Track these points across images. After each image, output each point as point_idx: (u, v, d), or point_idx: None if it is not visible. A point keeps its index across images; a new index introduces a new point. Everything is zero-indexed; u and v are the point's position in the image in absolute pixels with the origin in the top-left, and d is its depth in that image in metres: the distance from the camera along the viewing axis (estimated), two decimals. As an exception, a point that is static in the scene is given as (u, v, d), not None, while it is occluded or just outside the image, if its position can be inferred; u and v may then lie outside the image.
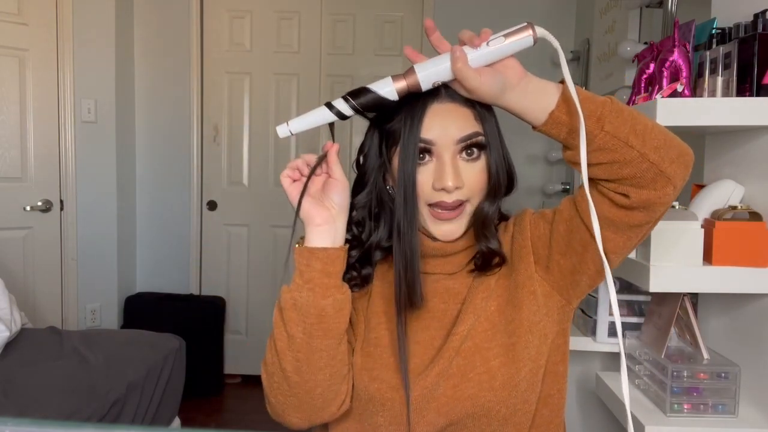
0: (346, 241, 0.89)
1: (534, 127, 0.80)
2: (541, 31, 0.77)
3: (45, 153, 3.04)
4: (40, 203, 3.03)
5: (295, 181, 0.84)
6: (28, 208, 3.00)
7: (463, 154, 0.83)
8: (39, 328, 2.58)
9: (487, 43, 0.76)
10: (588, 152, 0.76)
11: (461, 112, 0.83)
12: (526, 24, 0.77)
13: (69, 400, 1.92)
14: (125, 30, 3.31)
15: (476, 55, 0.76)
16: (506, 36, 0.76)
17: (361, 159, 0.89)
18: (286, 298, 0.82)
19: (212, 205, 3.51)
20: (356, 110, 0.81)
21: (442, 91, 0.82)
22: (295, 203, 0.82)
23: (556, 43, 0.78)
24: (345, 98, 0.80)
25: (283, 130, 0.83)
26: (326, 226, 0.83)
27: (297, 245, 0.84)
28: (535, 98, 0.77)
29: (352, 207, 0.89)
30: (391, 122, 0.84)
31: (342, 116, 0.80)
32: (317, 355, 0.81)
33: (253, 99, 3.48)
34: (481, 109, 0.83)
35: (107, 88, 3.18)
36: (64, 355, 2.24)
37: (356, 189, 0.89)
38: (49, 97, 3.04)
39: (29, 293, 3.01)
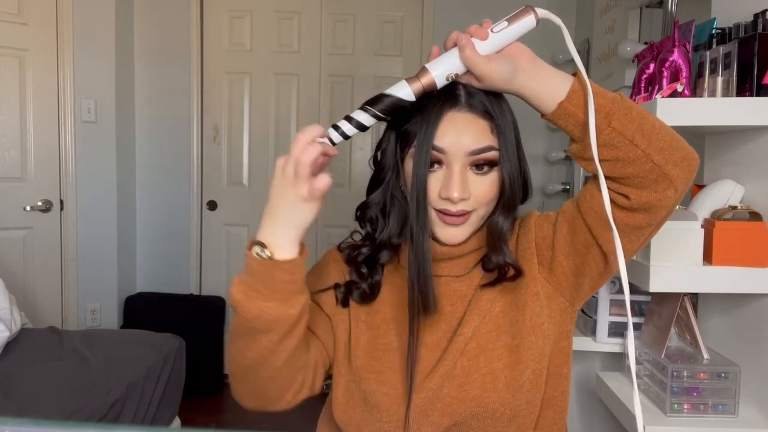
0: (353, 245, 0.91)
1: (543, 115, 0.80)
2: (542, 12, 0.78)
3: (45, 153, 3.04)
4: (40, 203, 3.03)
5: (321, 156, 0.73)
6: (28, 208, 3.00)
7: (474, 168, 0.82)
8: (39, 328, 2.58)
9: (492, 30, 0.76)
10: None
11: (478, 124, 0.81)
12: (525, 7, 0.78)
13: (69, 400, 1.92)
14: (125, 30, 3.31)
15: (484, 44, 0.76)
16: (509, 21, 0.77)
17: (379, 155, 0.89)
18: (249, 308, 0.74)
19: (212, 205, 3.51)
20: (377, 117, 0.79)
21: (461, 99, 0.81)
22: (323, 186, 0.72)
23: (558, 21, 0.79)
24: (364, 108, 0.78)
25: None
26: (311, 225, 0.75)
27: (260, 252, 0.73)
28: (545, 81, 0.77)
29: (367, 204, 0.89)
30: (408, 124, 0.83)
31: (363, 127, 0.78)
32: (276, 356, 0.79)
33: (253, 99, 3.47)
34: (500, 121, 0.82)
35: (107, 88, 3.18)
36: (64, 355, 2.23)
37: (372, 186, 0.89)
38: (49, 97, 3.04)
39: (29, 293, 3.01)
